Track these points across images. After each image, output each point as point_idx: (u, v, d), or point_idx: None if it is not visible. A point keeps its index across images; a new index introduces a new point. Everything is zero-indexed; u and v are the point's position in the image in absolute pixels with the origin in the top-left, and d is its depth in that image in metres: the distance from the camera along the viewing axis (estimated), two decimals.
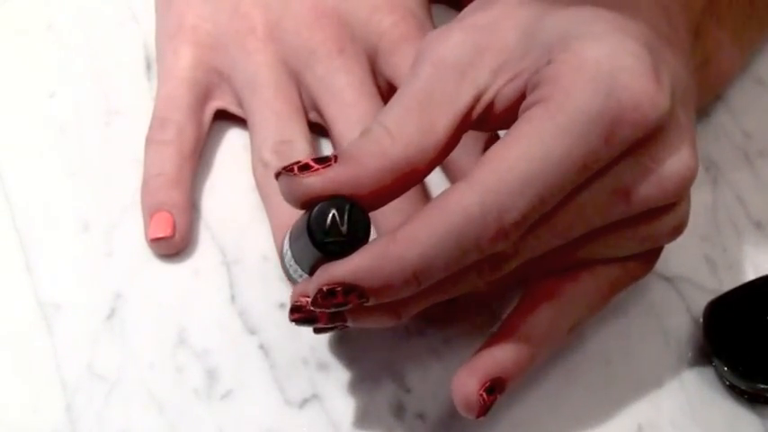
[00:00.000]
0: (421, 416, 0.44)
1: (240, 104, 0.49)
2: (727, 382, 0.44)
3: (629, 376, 0.44)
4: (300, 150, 0.47)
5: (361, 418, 0.44)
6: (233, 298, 0.46)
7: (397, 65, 0.48)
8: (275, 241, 0.46)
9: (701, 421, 0.43)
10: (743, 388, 0.43)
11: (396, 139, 0.37)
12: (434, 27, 0.50)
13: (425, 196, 0.46)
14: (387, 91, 0.49)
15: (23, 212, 0.48)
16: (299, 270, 0.39)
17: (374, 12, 0.49)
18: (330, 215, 0.37)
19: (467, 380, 0.39)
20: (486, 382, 0.39)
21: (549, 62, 0.37)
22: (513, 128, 0.37)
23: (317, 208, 0.37)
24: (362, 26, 0.49)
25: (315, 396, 0.44)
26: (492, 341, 0.40)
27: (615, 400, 0.44)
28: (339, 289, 0.36)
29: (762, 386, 0.43)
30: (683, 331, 0.45)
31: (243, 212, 0.48)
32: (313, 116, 0.49)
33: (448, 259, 0.36)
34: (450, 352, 0.45)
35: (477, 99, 0.38)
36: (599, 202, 0.38)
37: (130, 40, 0.53)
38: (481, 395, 0.38)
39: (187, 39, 0.49)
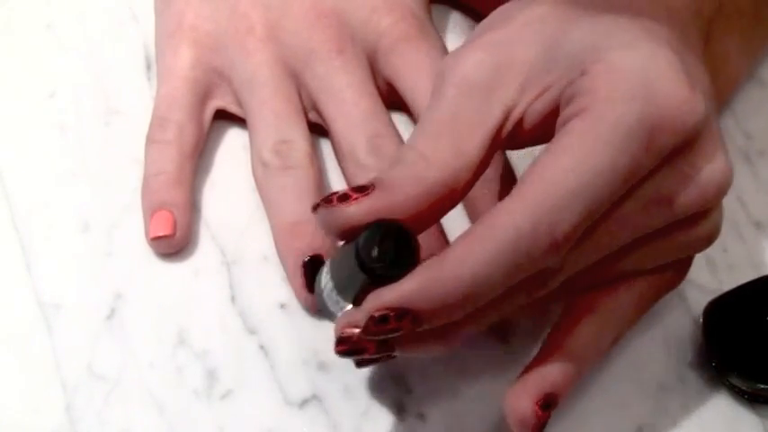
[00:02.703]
0: (421, 416, 0.44)
1: (240, 104, 0.49)
2: (727, 382, 0.44)
3: (629, 376, 0.44)
4: (300, 150, 0.47)
5: (361, 418, 0.44)
6: (233, 298, 0.46)
7: (397, 65, 0.48)
8: (275, 242, 0.46)
9: (700, 421, 0.43)
10: (743, 388, 0.43)
11: (431, 163, 0.37)
12: (434, 27, 0.50)
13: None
14: (386, 91, 0.49)
15: (23, 212, 0.48)
16: (342, 301, 0.38)
17: (373, 12, 0.49)
18: (378, 239, 0.36)
19: (521, 398, 0.39)
20: (539, 400, 0.39)
21: (582, 73, 0.37)
22: (554, 141, 0.37)
23: (365, 233, 0.36)
24: (362, 26, 0.49)
25: (315, 396, 0.44)
26: (540, 359, 0.40)
27: (615, 400, 0.44)
28: (392, 314, 0.36)
29: (762, 386, 0.43)
30: (683, 331, 0.45)
31: (243, 212, 0.48)
32: (313, 116, 0.49)
33: (500, 277, 0.36)
34: (451, 352, 0.44)
35: (506, 117, 0.38)
36: (640, 211, 0.38)
37: (130, 40, 0.53)
38: (536, 411, 0.38)
39: (186, 38, 0.49)
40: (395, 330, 0.36)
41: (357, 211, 0.37)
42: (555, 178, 0.36)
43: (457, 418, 0.43)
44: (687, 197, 0.38)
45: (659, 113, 0.36)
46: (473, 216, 0.45)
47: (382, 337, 0.36)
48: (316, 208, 0.38)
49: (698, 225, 0.39)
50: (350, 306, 0.38)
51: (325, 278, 0.39)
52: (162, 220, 0.46)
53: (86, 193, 0.49)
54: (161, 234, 0.46)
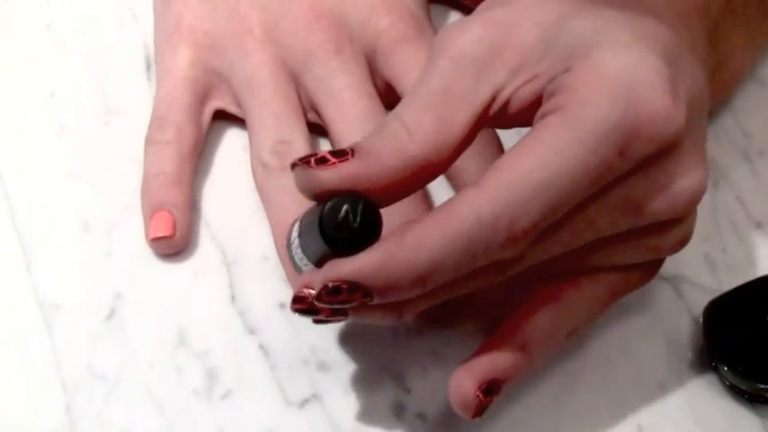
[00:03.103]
0: (421, 416, 0.44)
1: (239, 105, 0.49)
2: (727, 382, 0.44)
3: (629, 376, 0.44)
4: (299, 150, 0.47)
5: (361, 418, 0.44)
6: (233, 298, 0.46)
7: (396, 65, 0.48)
8: (275, 241, 0.46)
9: (701, 421, 0.43)
10: (743, 388, 0.43)
11: (413, 135, 0.37)
12: (433, 26, 0.50)
13: (426, 195, 0.46)
14: (385, 91, 0.49)
15: (23, 212, 0.48)
16: (305, 260, 0.39)
17: (372, 12, 0.49)
18: (342, 211, 0.37)
19: (464, 380, 0.39)
20: (482, 384, 0.39)
21: (567, 70, 0.37)
22: (527, 135, 0.37)
23: (330, 203, 0.37)
24: (360, 27, 0.49)
25: (315, 396, 0.44)
26: (490, 343, 0.40)
27: (615, 399, 0.44)
28: (344, 287, 0.36)
29: (762, 386, 0.43)
30: (683, 331, 0.45)
31: (243, 212, 0.48)
32: (312, 116, 0.49)
33: (456, 263, 0.36)
34: (451, 352, 0.45)
35: (494, 97, 0.38)
36: (608, 214, 0.38)
37: (130, 40, 0.53)
38: (478, 396, 0.39)
39: (185, 39, 0.49)
40: (346, 302, 0.36)
41: (332, 176, 0.37)
42: (521, 172, 0.36)
43: (457, 418, 0.43)
44: (657, 205, 0.38)
45: (637, 120, 0.36)
46: (457, 189, 0.45)
47: (335, 307, 0.37)
48: (293, 166, 0.38)
49: (669, 231, 0.39)
50: (311, 266, 0.39)
51: (294, 233, 0.40)
52: (162, 221, 0.46)
53: (86, 193, 0.49)
54: (161, 235, 0.46)
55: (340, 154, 0.37)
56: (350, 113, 0.47)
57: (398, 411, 0.44)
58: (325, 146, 0.49)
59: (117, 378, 0.44)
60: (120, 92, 0.51)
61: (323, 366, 0.44)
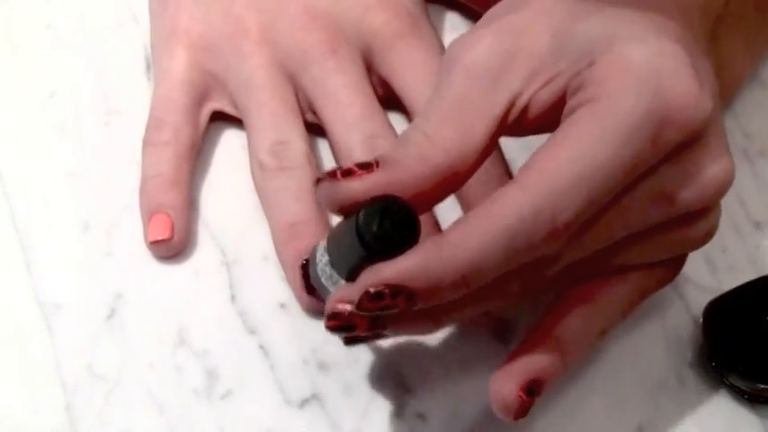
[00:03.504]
0: (421, 416, 0.44)
1: (236, 106, 0.49)
2: (727, 382, 0.44)
3: (629, 376, 0.44)
4: (297, 150, 0.47)
5: (362, 418, 0.44)
6: (233, 298, 0.46)
7: (392, 63, 0.48)
8: (274, 242, 0.46)
9: (701, 421, 0.43)
10: (743, 388, 0.43)
11: (436, 144, 0.37)
12: (430, 23, 0.50)
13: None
14: (382, 89, 0.49)
15: (23, 212, 0.48)
16: (336, 275, 0.38)
17: (367, 10, 0.49)
18: (380, 215, 0.36)
19: (505, 382, 0.39)
20: (524, 384, 0.38)
21: (591, 64, 0.37)
22: (559, 130, 0.37)
23: (365, 209, 0.36)
24: (355, 25, 0.49)
25: (315, 396, 0.44)
26: (527, 344, 0.40)
27: (615, 399, 0.44)
28: (387, 291, 0.36)
29: (762, 386, 0.43)
30: (683, 331, 0.45)
31: (243, 212, 0.48)
32: (310, 117, 0.49)
33: (499, 261, 0.36)
34: (451, 352, 0.44)
35: (511, 104, 0.38)
36: (640, 206, 0.38)
37: (130, 40, 0.53)
38: (520, 396, 0.38)
39: (180, 41, 0.49)
40: (389, 307, 0.36)
41: (360, 186, 0.37)
42: (559, 166, 0.36)
43: (457, 419, 0.43)
44: (688, 194, 0.38)
45: (666, 108, 0.36)
46: (466, 208, 0.45)
47: (375, 314, 0.36)
48: (318, 181, 0.38)
49: (696, 223, 0.39)
50: (343, 282, 0.38)
51: (320, 253, 0.39)
52: (160, 224, 0.46)
53: (86, 193, 0.49)
54: (159, 238, 0.46)
55: (365, 166, 0.37)
56: (346, 115, 0.47)
57: (399, 411, 0.44)
58: (323, 146, 0.49)
59: (117, 378, 0.44)
60: (120, 92, 0.51)
61: (323, 366, 0.44)
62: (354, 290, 0.36)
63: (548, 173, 0.36)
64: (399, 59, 0.48)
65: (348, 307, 0.36)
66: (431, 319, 0.38)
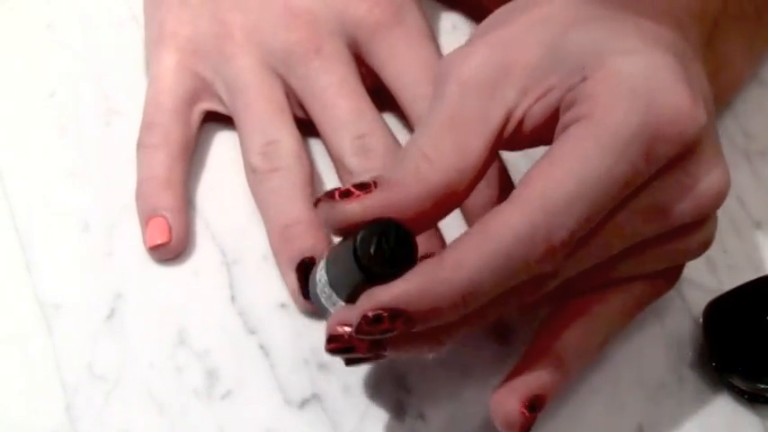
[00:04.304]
0: (421, 416, 0.44)
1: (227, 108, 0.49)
2: (727, 382, 0.44)
3: (629, 376, 0.44)
4: (287, 149, 0.47)
5: (361, 418, 0.44)
6: (233, 298, 0.46)
7: (377, 54, 0.48)
8: (271, 243, 0.46)
9: (700, 421, 0.43)
10: (743, 388, 0.43)
11: (434, 163, 0.37)
12: (419, 7, 0.50)
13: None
14: (371, 79, 0.48)
15: (23, 212, 0.48)
16: (335, 297, 0.38)
17: (348, 2, 0.48)
18: (377, 238, 0.36)
19: (507, 398, 0.39)
20: (526, 401, 0.38)
21: (583, 79, 0.37)
22: (553, 147, 0.36)
23: (362, 231, 0.36)
24: (338, 18, 0.48)
25: (315, 396, 0.44)
26: (527, 360, 0.40)
27: (615, 399, 0.44)
28: (386, 315, 0.36)
29: (762, 386, 0.43)
30: (683, 331, 0.45)
31: (242, 212, 0.48)
32: (300, 113, 0.48)
33: (496, 281, 0.36)
34: (450, 353, 0.44)
35: (507, 117, 0.38)
36: (635, 220, 0.38)
37: (130, 40, 0.53)
38: (523, 413, 0.38)
39: (167, 45, 0.49)
40: (388, 331, 0.36)
41: (358, 208, 0.37)
42: (554, 184, 0.35)
43: (457, 419, 0.43)
44: (684, 207, 0.38)
45: (659, 122, 0.36)
46: (470, 220, 0.45)
47: (374, 338, 0.36)
48: (317, 203, 0.38)
49: (693, 234, 0.39)
50: (343, 303, 0.38)
51: (320, 273, 0.39)
52: (157, 228, 0.46)
53: (86, 193, 0.49)
54: (158, 242, 0.46)
55: (363, 186, 0.37)
56: (334, 115, 0.47)
57: (399, 412, 0.44)
58: (317, 146, 0.49)
59: (117, 378, 0.44)
60: (120, 92, 0.51)
61: (323, 366, 0.44)
62: (353, 313, 0.36)
63: (542, 190, 0.35)
64: (383, 50, 0.48)
65: (347, 329, 0.37)
66: (431, 340, 0.38)
